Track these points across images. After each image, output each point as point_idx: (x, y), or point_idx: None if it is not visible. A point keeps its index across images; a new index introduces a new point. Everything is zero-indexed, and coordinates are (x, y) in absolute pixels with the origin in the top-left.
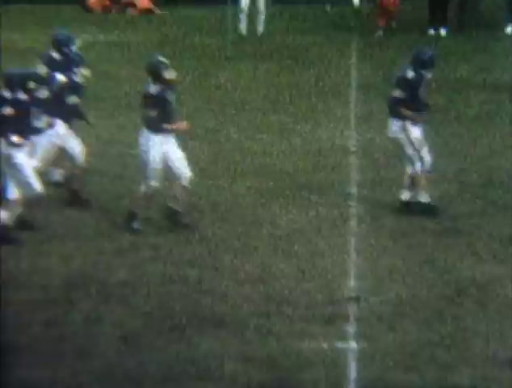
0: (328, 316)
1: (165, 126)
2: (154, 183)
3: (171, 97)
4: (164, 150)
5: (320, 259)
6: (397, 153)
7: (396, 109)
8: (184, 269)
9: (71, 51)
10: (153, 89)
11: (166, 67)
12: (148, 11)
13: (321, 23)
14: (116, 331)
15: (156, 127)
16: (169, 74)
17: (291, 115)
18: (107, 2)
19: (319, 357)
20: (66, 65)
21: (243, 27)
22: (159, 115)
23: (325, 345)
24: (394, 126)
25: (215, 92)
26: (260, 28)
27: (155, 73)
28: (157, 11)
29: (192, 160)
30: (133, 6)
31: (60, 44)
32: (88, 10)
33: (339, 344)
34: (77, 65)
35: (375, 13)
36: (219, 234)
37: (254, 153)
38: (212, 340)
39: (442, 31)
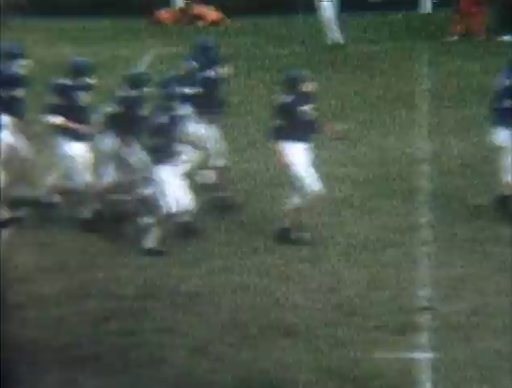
0: (400, 326)
1: (296, 136)
2: (295, 194)
3: (306, 107)
4: (300, 160)
5: (391, 268)
6: (468, 161)
7: (504, 118)
8: (255, 279)
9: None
10: (287, 99)
11: (304, 79)
12: (217, 22)
13: (391, 31)
14: (188, 341)
15: (288, 137)
16: (307, 86)
17: (360, 123)
18: (178, 15)
19: (391, 367)
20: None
21: (329, 35)
22: (291, 125)
23: (397, 355)
24: (501, 134)
25: None
26: (337, 36)
27: (290, 84)
28: (227, 22)
29: (261, 169)
30: (202, 17)
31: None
32: (157, 23)
33: (412, 355)
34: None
35: (452, 19)
36: (289, 243)
37: (324, 162)
38: (283, 350)
39: None
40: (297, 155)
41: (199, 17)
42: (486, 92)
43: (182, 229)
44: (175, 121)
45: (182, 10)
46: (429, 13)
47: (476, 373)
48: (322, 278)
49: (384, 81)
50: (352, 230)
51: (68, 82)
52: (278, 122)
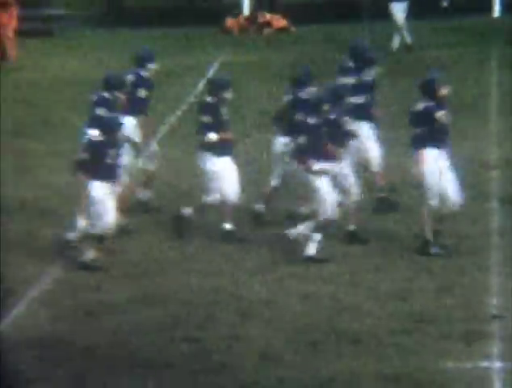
0: (470, 334)
1: (435, 142)
2: (434, 203)
3: (441, 114)
4: (439, 166)
5: (461, 275)
6: None
7: None
8: (321, 286)
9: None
10: (421, 106)
11: (439, 83)
12: (284, 30)
13: (462, 35)
14: (256, 347)
15: (428, 144)
16: (443, 91)
17: None
18: (245, 23)
19: (462, 377)
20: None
21: (399, 40)
22: (426, 131)
23: (467, 364)
24: None
25: None
26: (409, 40)
27: (428, 90)
28: (293, 29)
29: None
30: (270, 25)
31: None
32: (226, 31)
33: (483, 363)
34: None
35: None
36: (354, 251)
37: (385, 167)
38: (351, 358)
39: None
40: (438, 162)
41: (265, 24)
42: None
43: (347, 237)
44: (335, 124)
45: (248, 19)
46: (500, 17)
47: None
48: (391, 285)
49: (454, 86)
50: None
51: (211, 99)
52: (418, 129)
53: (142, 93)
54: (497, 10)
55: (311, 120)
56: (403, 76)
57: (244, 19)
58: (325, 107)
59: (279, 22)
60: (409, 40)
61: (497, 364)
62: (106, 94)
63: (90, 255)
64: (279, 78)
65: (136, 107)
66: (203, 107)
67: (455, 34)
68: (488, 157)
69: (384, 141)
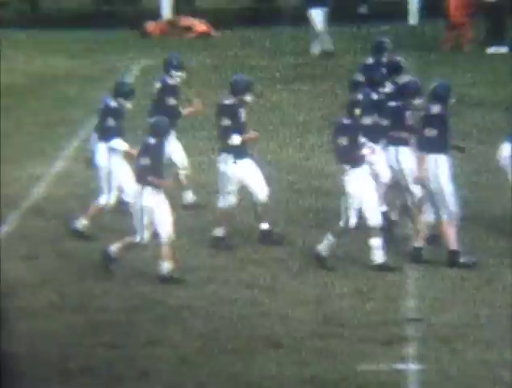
0: (387, 337)
1: (444, 147)
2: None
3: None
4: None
5: (379, 279)
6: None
7: None
8: (241, 291)
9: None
10: (440, 109)
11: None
12: (205, 34)
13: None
14: (176, 352)
15: (437, 148)
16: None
17: None
18: (166, 27)
19: (378, 379)
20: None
21: (319, 46)
22: (441, 136)
23: (383, 367)
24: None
25: (272, 113)
26: (330, 46)
27: (441, 96)
28: (215, 34)
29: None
30: (191, 30)
31: None
32: (146, 35)
33: (398, 366)
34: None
35: (446, 28)
36: (275, 255)
37: (309, 173)
38: (270, 362)
39: (503, 49)
40: (443, 167)
41: (187, 29)
42: (475, 103)
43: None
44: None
45: (170, 23)
46: (417, 25)
47: (461, 384)
48: (309, 289)
49: None
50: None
51: (231, 101)
52: (431, 132)
53: (170, 100)
54: (413, 18)
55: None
56: (323, 81)
57: (165, 23)
58: None
59: (201, 26)
60: (328, 45)
61: (412, 366)
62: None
63: (167, 266)
64: (201, 82)
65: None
66: (224, 110)
67: (373, 40)
68: None
69: (305, 145)
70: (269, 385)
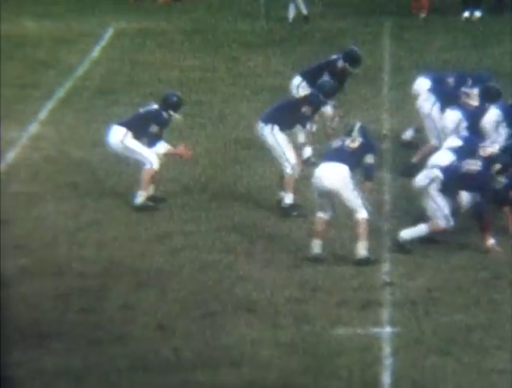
0: (362, 302)
1: None
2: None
3: None
4: None
5: (354, 244)
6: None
7: None
8: (218, 255)
9: None
10: None
11: None
12: None
13: (354, 8)
14: (151, 317)
15: None
16: None
17: None
18: None
19: (353, 343)
20: None
21: (291, 11)
22: None
23: (359, 331)
24: None
25: (248, 78)
26: (303, 9)
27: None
28: None
29: (225, 147)
30: None
31: None
32: None
33: (374, 329)
34: None
35: None
36: (250, 219)
37: None
38: (246, 326)
39: (477, 14)
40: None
41: None
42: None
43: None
44: None
45: None
46: None
47: (436, 347)
48: (285, 255)
49: None
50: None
51: None
52: None
53: None
54: None
55: None
56: (299, 46)
57: None
58: None
59: None
60: (304, 10)
61: (388, 330)
62: None
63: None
64: (174, 46)
65: None
66: None
67: (349, 4)
68: (381, 126)
69: None
70: (245, 350)
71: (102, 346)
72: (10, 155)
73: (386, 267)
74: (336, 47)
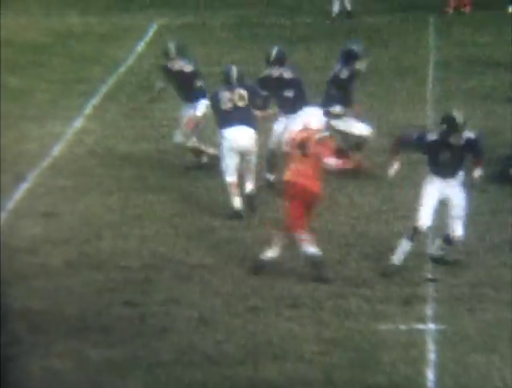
0: (406, 298)
1: None
2: None
3: None
4: None
5: (398, 240)
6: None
7: None
8: (260, 249)
9: None
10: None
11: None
12: None
13: (398, 3)
14: (194, 311)
15: None
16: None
17: (368, 95)
18: None
19: (397, 339)
20: None
21: (336, 6)
22: None
23: (402, 326)
24: None
25: None
26: (347, 5)
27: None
28: None
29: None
30: None
31: None
32: None
33: (417, 326)
34: None
35: None
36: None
37: None
38: (289, 321)
39: None
40: None
41: None
42: (492, 64)
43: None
44: None
45: None
46: None
47: (480, 344)
48: (329, 250)
49: (391, 52)
50: (358, 202)
51: (342, 72)
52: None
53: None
54: None
55: None
56: (342, 41)
57: None
58: None
59: None
60: (348, 5)
61: (431, 326)
62: None
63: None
64: (218, 41)
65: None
66: (333, 79)
67: (393, 0)
68: (424, 121)
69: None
70: (288, 345)
71: (145, 339)
72: (56, 149)
73: (430, 263)
74: (379, 42)
